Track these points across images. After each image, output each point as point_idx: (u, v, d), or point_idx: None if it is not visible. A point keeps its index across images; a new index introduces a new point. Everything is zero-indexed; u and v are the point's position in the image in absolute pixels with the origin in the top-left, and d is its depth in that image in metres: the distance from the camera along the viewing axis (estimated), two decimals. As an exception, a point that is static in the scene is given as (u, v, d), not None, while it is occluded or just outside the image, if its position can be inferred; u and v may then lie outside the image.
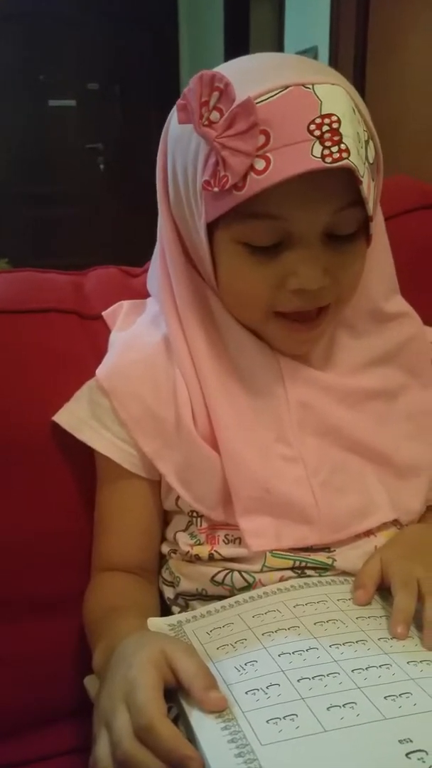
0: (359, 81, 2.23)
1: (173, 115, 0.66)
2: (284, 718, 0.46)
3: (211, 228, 0.62)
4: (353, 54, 2.16)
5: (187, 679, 0.49)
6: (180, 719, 0.50)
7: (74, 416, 0.71)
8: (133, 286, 0.85)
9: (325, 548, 0.66)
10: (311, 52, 2.65)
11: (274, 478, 0.65)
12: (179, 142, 0.63)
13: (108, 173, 3.89)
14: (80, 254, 3.70)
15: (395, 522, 0.69)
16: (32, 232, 3.73)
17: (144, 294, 0.79)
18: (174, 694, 0.50)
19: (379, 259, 0.70)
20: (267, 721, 0.46)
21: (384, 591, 0.61)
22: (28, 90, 3.69)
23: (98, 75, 3.81)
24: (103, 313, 0.79)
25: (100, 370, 0.71)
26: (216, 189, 0.57)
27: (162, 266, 0.71)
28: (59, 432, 0.72)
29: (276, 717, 0.46)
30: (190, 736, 0.47)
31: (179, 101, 0.59)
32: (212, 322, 0.69)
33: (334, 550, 0.66)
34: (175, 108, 0.67)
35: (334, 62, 2.34)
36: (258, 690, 0.50)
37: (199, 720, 0.48)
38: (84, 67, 3.78)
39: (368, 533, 0.68)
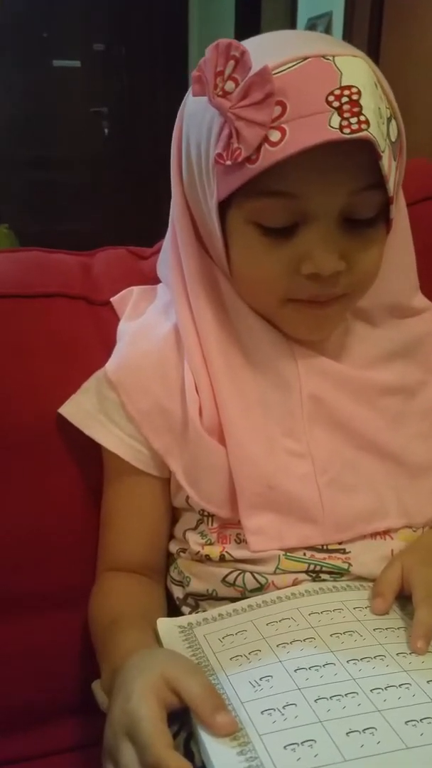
0: (374, 49, 2.16)
1: (189, 93, 0.63)
2: (302, 743, 0.44)
3: (224, 209, 0.59)
4: (369, 20, 2.10)
5: (193, 702, 0.47)
6: (192, 739, 0.48)
7: (81, 409, 0.69)
8: (142, 270, 0.82)
9: (340, 550, 0.64)
10: (326, 17, 2.57)
11: (279, 474, 0.63)
12: (193, 118, 0.60)
13: (112, 138, 3.80)
14: (82, 220, 3.65)
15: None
16: (33, 197, 3.66)
17: (153, 277, 0.76)
18: (185, 713, 0.48)
19: (400, 251, 0.67)
20: (284, 747, 0.44)
21: (402, 599, 0.60)
22: (31, 48, 3.58)
23: (104, 35, 3.71)
24: (112, 300, 0.76)
25: (110, 363, 0.68)
26: (228, 162, 0.54)
27: (174, 252, 0.68)
28: (63, 423, 0.69)
29: (294, 742, 0.45)
30: (204, 758, 0.46)
31: (194, 73, 0.56)
32: (224, 310, 0.66)
33: (350, 552, 0.64)
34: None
35: (349, 28, 2.27)
36: (274, 710, 0.48)
37: (212, 743, 0.46)
38: (90, 26, 3.68)
39: (384, 534, 0.65)
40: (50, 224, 3.53)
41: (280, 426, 0.64)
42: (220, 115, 0.55)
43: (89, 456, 0.70)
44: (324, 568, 0.63)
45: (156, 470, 0.67)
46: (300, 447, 0.64)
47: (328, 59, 0.54)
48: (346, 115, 0.53)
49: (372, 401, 0.67)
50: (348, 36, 2.25)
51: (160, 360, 0.66)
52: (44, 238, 0.88)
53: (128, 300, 0.75)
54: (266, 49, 0.55)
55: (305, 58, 0.54)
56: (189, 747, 0.48)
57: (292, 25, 2.86)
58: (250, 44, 0.55)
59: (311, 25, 2.69)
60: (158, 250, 0.75)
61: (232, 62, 0.54)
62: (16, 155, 3.63)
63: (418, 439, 0.68)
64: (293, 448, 0.64)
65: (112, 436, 0.67)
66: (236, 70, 0.54)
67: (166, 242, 0.70)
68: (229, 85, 0.54)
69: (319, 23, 2.62)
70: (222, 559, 0.64)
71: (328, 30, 2.54)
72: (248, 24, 3.07)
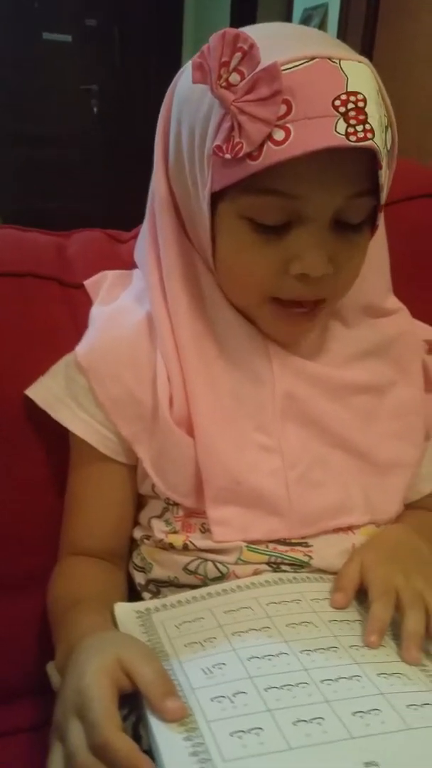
0: (368, 43, 2.16)
1: (181, 76, 0.63)
2: (249, 731, 0.45)
3: (215, 200, 0.59)
4: (364, 14, 2.09)
5: (144, 686, 0.47)
6: (141, 723, 0.48)
7: (49, 392, 0.68)
8: (119, 254, 0.82)
9: (302, 543, 0.65)
10: (322, 8, 2.56)
11: (247, 469, 0.63)
12: (187, 103, 0.60)
13: (101, 117, 3.75)
14: (68, 200, 3.60)
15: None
16: (17, 174, 3.60)
17: (130, 263, 0.75)
18: (136, 696, 0.49)
19: (377, 253, 0.67)
20: (231, 734, 0.45)
21: (360, 594, 0.60)
22: (22, 17, 3.50)
23: (97, 11, 3.65)
24: (85, 283, 0.75)
25: (80, 347, 0.68)
26: (228, 155, 0.54)
27: (151, 237, 0.67)
28: (31, 406, 0.69)
29: (240, 730, 0.45)
30: (152, 742, 0.46)
31: (195, 59, 0.55)
32: (200, 300, 0.66)
33: (312, 546, 0.65)
34: (182, 70, 0.63)
35: (344, 21, 2.26)
36: (224, 698, 0.48)
37: (160, 728, 0.46)
38: (82, 0, 3.61)
39: (346, 530, 0.66)
40: (34, 203, 3.48)
41: (252, 420, 0.65)
42: (221, 107, 0.54)
43: (56, 440, 0.70)
44: (285, 560, 0.64)
45: (123, 457, 0.67)
46: (271, 442, 0.64)
47: (334, 62, 0.54)
48: (352, 122, 0.53)
49: (344, 399, 0.67)
50: (343, 27, 2.24)
51: (131, 347, 0.66)
52: (27, 217, 0.87)
53: (102, 284, 0.74)
54: (272, 44, 0.54)
55: (312, 58, 0.54)
56: (138, 730, 0.48)
57: (288, 12, 2.84)
58: (254, 33, 0.54)
59: (307, 16, 2.68)
60: (137, 234, 0.75)
61: (239, 54, 0.53)
62: (0, 129, 3.57)
63: (387, 437, 0.68)
64: (264, 443, 0.64)
65: (79, 421, 0.67)
66: (243, 63, 0.53)
67: (144, 226, 0.69)
68: (234, 77, 0.53)
69: (315, 14, 2.60)
70: (185, 547, 0.64)
71: (323, 20, 2.53)
72: (244, 7, 3.04)
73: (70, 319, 0.74)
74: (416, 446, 0.70)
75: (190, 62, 0.60)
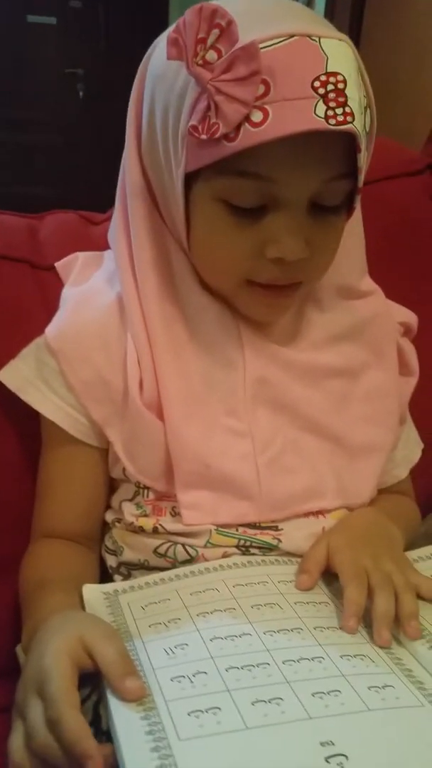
0: (356, 25, 2.13)
1: (154, 50, 0.62)
2: (207, 711, 0.45)
3: (189, 180, 0.58)
4: (352, -3, 2.07)
5: (104, 666, 0.47)
6: (102, 703, 0.48)
7: (19, 375, 0.68)
8: (92, 236, 0.81)
9: (272, 527, 0.64)
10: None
11: (217, 453, 0.63)
12: (162, 80, 0.58)
13: (87, 101, 3.71)
14: (52, 185, 3.57)
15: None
16: (1, 158, 3.56)
17: (104, 245, 0.74)
18: (98, 676, 0.48)
19: (352, 234, 0.67)
20: (189, 714, 0.45)
21: (328, 576, 0.60)
22: (5, 0, 3.45)
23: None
24: (56, 265, 0.75)
25: (50, 329, 0.67)
26: (204, 136, 0.53)
27: (123, 217, 0.66)
28: (2, 390, 0.68)
29: (198, 709, 0.45)
30: (110, 721, 0.46)
31: (170, 33, 0.53)
32: (171, 283, 0.65)
33: (281, 529, 0.64)
34: (155, 43, 0.62)
35: (332, 3, 2.24)
36: (184, 677, 0.48)
37: (118, 707, 0.46)
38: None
39: (317, 514, 0.66)
40: (18, 188, 3.45)
41: (223, 405, 0.64)
42: (197, 85, 0.53)
43: (27, 423, 0.69)
44: (254, 544, 0.64)
45: (95, 440, 0.67)
46: (241, 426, 0.64)
47: (314, 40, 0.53)
48: (331, 104, 0.52)
49: (317, 383, 0.67)
50: (330, 8, 2.22)
51: (102, 329, 0.65)
52: (11, 202, 0.86)
53: (74, 266, 0.74)
54: (250, 20, 0.53)
55: (291, 36, 0.52)
56: (98, 710, 0.48)
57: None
58: (231, 7, 0.53)
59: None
60: (110, 216, 0.74)
61: (216, 31, 0.51)
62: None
63: (360, 421, 0.68)
64: (234, 427, 0.64)
65: (50, 404, 0.66)
66: (220, 40, 0.52)
67: (116, 206, 0.68)
68: (211, 55, 0.52)
69: (302, -5, 2.57)
70: (155, 530, 0.64)
71: (310, 1, 2.50)
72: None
73: (42, 302, 0.74)
74: (390, 430, 0.70)
75: (163, 36, 0.59)
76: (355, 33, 2.13)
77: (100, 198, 0.88)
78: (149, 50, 0.63)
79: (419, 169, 0.87)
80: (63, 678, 0.46)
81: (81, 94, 3.69)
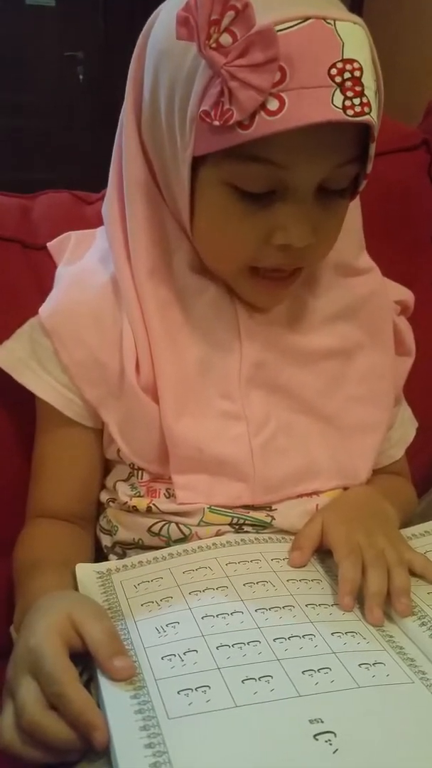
0: (358, 3, 2.11)
1: (156, 19, 0.59)
2: (196, 689, 0.45)
3: (195, 163, 0.56)
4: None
5: (93, 645, 0.47)
6: (92, 682, 0.48)
7: (13, 355, 0.67)
8: (86, 215, 0.80)
9: (266, 506, 0.64)
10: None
11: (211, 436, 0.62)
12: (168, 58, 0.56)
13: (87, 85, 3.68)
14: (52, 170, 3.54)
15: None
16: (0, 143, 3.54)
17: (97, 224, 0.73)
18: (88, 655, 0.48)
19: (350, 211, 0.65)
20: (178, 692, 0.45)
21: (321, 553, 0.60)
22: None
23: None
24: (48, 245, 0.74)
25: (44, 308, 0.66)
26: (217, 122, 0.51)
27: (117, 196, 0.65)
28: (-4, 370, 0.67)
29: (188, 688, 0.45)
30: (100, 700, 0.46)
31: (179, 12, 0.51)
32: (168, 264, 0.64)
33: (275, 509, 0.64)
34: (156, 13, 0.60)
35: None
36: (174, 656, 0.48)
37: (108, 686, 0.46)
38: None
39: (311, 494, 0.66)
40: (17, 173, 3.42)
41: (217, 387, 0.64)
42: (209, 69, 0.51)
43: (21, 404, 0.69)
44: (247, 521, 0.64)
45: (89, 421, 0.66)
46: (235, 408, 0.64)
47: (329, 23, 0.51)
48: (348, 93, 0.51)
49: (311, 365, 0.66)
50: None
51: (96, 310, 0.65)
52: (10, 188, 0.85)
53: (66, 245, 0.73)
54: (262, 1, 0.51)
55: (306, 18, 0.51)
56: (89, 689, 0.48)
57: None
58: None
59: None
60: (104, 195, 0.73)
61: (231, 13, 0.49)
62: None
63: (354, 402, 0.68)
64: (228, 410, 0.64)
65: (44, 384, 0.66)
66: (235, 23, 0.49)
67: (111, 183, 0.67)
68: (225, 39, 0.50)
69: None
70: (149, 510, 0.64)
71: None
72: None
73: (34, 282, 0.73)
74: (385, 410, 0.70)
75: (164, 7, 0.58)
76: (356, 6, 2.09)
77: (101, 183, 0.87)
78: (150, 19, 0.61)
79: (415, 145, 0.86)
80: (57, 655, 0.46)
81: (81, 77, 3.66)
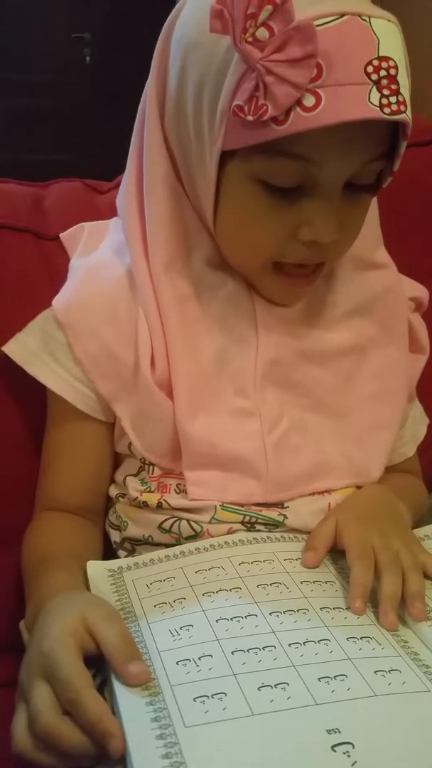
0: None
1: (183, 15, 0.58)
2: (212, 696, 0.44)
3: (222, 157, 0.56)
4: None
5: (108, 650, 0.47)
6: (106, 686, 0.48)
7: (26, 348, 0.66)
8: (98, 205, 0.79)
9: (278, 504, 0.64)
10: None
11: (225, 433, 0.62)
12: (197, 49, 0.55)
13: (94, 67, 3.63)
14: (61, 151, 3.51)
15: None
16: (4, 125, 3.50)
17: (110, 214, 0.72)
18: (102, 658, 0.48)
19: (370, 207, 0.65)
20: (194, 699, 0.44)
21: (335, 553, 0.60)
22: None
23: None
24: (61, 236, 0.73)
25: (58, 301, 0.65)
26: (250, 117, 0.50)
27: (135, 186, 0.64)
28: (8, 363, 0.66)
29: (204, 695, 0.44)
30: (114, 706, 0.45)
31: (215, 5, 0.50)
32: (186, 259, 0.63)
33: (288, 506, 0.64)
34: (179, 6, 0.59)
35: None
36: (189, 661, 0.47)
37: (123, 692, 0.45)
38: None
39: (323, 492, 0.65)
40: (21, 155, 3.39)
41: (232, 383, 0.63)
42: (243, 62, 0.51)
43: (33, 396, 0.68)
44: (259, 520, 0.63)
45: (101, 414, 0.66)
46: (249, 405, 0.63)
47: (364, 20, 0.51)
48: (385, 92, 0.50)
49: (326, 362, 0.66)
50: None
51: (111, 303, 0.64)
52: (14, 170, 0.84)
53: (79, 237, 0.72)
54: None
55: (342, 15, 0.50)
56: (102, 692, 0.48)
57: None
58: None
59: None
60: (118, 184, 0.71)
61: (269, 7, 0.48)
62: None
63: (367, 399, 0.67)
64: (242, 407, 0.63)
65: (56, 377, 0.65)
66: (273, 17, 0.49)
67: (128, 176, 0.66)
68: (262, 33, 0.49)
69: None
70: (159, 506, 0.64)
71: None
72: None
73: (46, 273, 0.73)
74: (397, 407, 0.69)
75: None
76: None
77: (107, 166, 0.85)
78: (173, 12, 0.60)
79: (430, 140, 0.84)
80: (71, 660, 0.45)
81: (88, 59, 3.62)
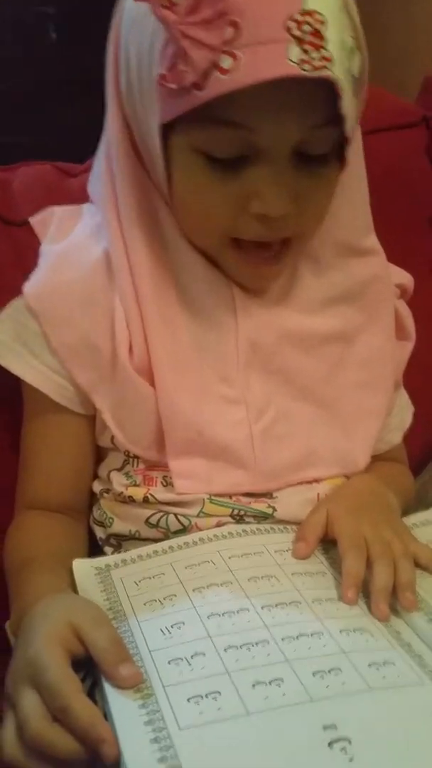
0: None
1: None
2: (206, 696, 0.43)
3: (168, 131, 0.54)
4: None
5: (97, 653, 0.45)
6: (97, 688, 0.47)
7: None
8: (69, 188, 0.77)
9: (266, 494, 0.63)
10: None
11: (210, 420, 0.61)
12: (135, 25, 0.54)
13: (60, 43, 3.56)
14: (22, 133, 3.43)
15: None
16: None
17: (82, 198, 0.70)
18: (90, 660, 0.47)
19: (353, 188, 0.63)
20: (188, 700, 0.43)
21: (325, 544, 0.59)
22: None
23: None
24: (31, 220, 0.70)
25: (29, 288, 0.63)
26: (173, 85, 0.49)
27: (107, 168, 0.63)
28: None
29: (198, 695, 0.43)
30: (106, 709, 0.44)
31: None
32: (161, 239, 0.61)
33: (276, 497, 0.63)
34: None
35: None
36: (182, 660, 0.46)
37: (114, 695, 0.44)
38: None
39: (311, 481, 0.64)
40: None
41: (215, 370, 0.62)
42: (163, 29, 0.49)
43: (7, 390, 0.66)
44: (248, 512, 0.62)
45: (80, 407, 0.64)
46: (234, 393, 0.62)
47: None
48: (306, 47, 0.48)
49: (311, 348, 0.65)
50: None
51: (86, 289, 0.62)
52: None
53: (50, 221, 0.70)
54: None
55: None
56: (93, 695, 0.47)
57: None
58: None
59: None
60: (89, 167, 0.70)
61: None
62: None
63: (354, 387, 0.66)
64: (227, 394, 0.62)
65: (31, 369, 0.63)
66: None
67: (98, 155, 0.64)
68: None
69: None
70: (145, 500, 0.62)
71: None
72: None
73: (15, 260, 0.71)
74: (384, 395, 0.68)
75: None
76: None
77: (74, 147, 0.83)
78: None
79: (414, 122, 0.83)
80: (58, 666, 0.44)
81: (53, 35, 3.53)
